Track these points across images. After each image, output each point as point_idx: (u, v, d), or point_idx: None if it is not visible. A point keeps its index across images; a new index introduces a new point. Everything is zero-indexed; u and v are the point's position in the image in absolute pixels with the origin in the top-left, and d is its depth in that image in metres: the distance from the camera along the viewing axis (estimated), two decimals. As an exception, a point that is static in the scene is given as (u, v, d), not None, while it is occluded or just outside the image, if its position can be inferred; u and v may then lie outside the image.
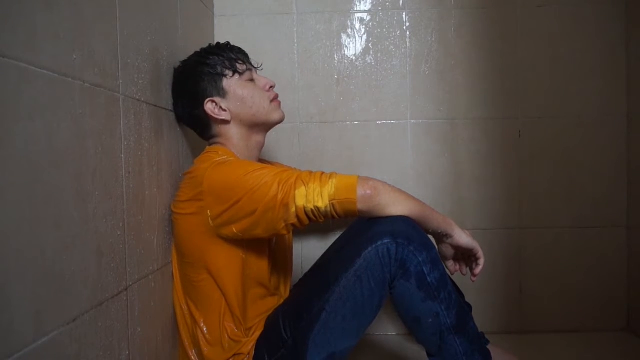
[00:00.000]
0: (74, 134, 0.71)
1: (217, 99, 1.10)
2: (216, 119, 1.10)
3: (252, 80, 1.14)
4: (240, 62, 1.13)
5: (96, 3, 0.79)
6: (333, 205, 0.94)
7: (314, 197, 0.93)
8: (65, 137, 0.69)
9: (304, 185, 0.94)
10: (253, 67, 1.17)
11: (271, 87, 1.16)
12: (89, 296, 0.75)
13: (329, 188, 0.94)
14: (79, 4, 0.74)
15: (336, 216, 0.96)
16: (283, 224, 0.95)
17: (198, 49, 1.16)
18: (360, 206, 0.94)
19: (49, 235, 0.65)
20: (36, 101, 0.63)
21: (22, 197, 0.60)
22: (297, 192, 0.93)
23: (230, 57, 1.12)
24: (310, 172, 0.98)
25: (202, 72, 1.10)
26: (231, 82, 1.11)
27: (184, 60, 1.16)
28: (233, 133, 1.12)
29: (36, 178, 0.63)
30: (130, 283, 0.90)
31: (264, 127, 1.16)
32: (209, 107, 1.09)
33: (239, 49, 1.17)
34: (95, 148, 0.77)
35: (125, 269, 0.88)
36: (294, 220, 0.95)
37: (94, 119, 0.77)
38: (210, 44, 1.17)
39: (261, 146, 1.18)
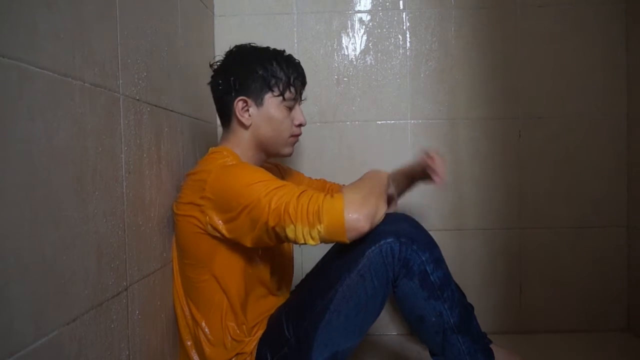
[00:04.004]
0: (74, 134, 0.71)
1: (250, 102, 1.09)
2: (237, 117, 1.10)
3: (290, 108, 1.13)
4: (292, 91, 1.11)
5: (96, 3, 0.79)
6: (325, 241, 0.93)
7: (304, 236, 0.91)
8: (65, 137, 0.69)
9: (292, 223, 0.91)
10: (300, 98, 1.16)
11: (300, 124, 1.15)
12: (89, 296, 0.75)
13: (317, 231, 0.90)
14: (79, 4, 0.74)
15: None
16: (278, 242, 0.96)
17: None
18: (352, 240, 0.92)
19: (49, 235, 0.65)
20: (36, 101, 0.63)
21: (22, 197, 0.60)
22: (287, 227, 0.91)
23: (288, 80, 1.10)
24: (299, 198, 0.91)
25: (256, 72, 1.08)
26: (273, 100, 1.10)
27: (254, 47, 1.13)
28: (245, 138, 1.11)
29: (36, 178, 0.63)
30: (130, 283, 0.90)
31: (270, 152, 1.16)
32: (239, 104, 1.09)
33: (303, 77, 1.15)
34: (95, 148, 0.77)
35: (125, 269, 0.88)
36: (286, 242, 0.96)
37: (94, 119, 0.77)
38: (284, 51, 1.14)
39: (263, 162, 1.18)
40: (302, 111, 1.16)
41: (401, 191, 1.27)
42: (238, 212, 0.94)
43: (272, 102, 1.10)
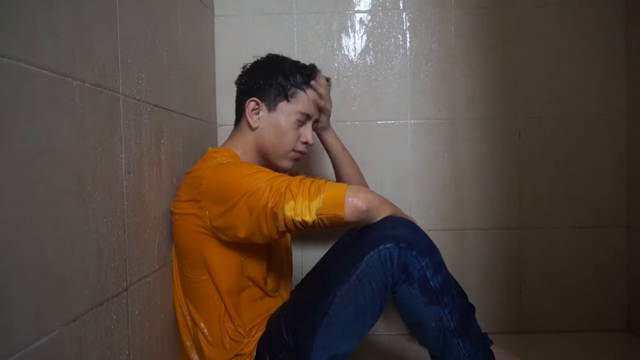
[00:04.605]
0: (74, 134, 0.71)
1: (262, 105, 1.11)
2: (246, 117, 1.12)
3: (303, 122, 1.14)
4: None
5: (96, 3, 0.79)
6: (321, 219, 0.93)
7: (302, 210, 0.92)
8: (65, 137, 0.69)
9: (293, 198, 0.92)
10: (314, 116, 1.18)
11: (306, 142, 1.15)
12: (89, 296, 0.75)
13: (317, 203, 0.92)
14: (79, 4, 0.74)
15: (325, 227, 0.96)
16: (275, 230, 0.95)
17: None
18: (348, 220, 0.94)
19: (49, 235, 0.65)
20: (36, 101, 0.63)
21: (22, 197, 0.60)
22: (286, 205, 0.92)
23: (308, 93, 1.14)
24: (302, 180, 0.95)
25: (276, 78, 1.12)
26: (285, 108, 1.12)
27: (284, 58, 1.18)
28: (249, 140, 1.13)
29: (36, 178, 0.63)
30: (130, 283, 0.90)
31: (270, 160, 1.16)
32: (250, 104, 1.11)
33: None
34: (95, 148, 0.77)
35: (125, 269, 0.88)
36: (283, 228, 0.95)
37: (94, 119, 0.77)
38: (313, 65, 1.18)
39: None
40: (311, 131, 1.17)
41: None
42: (235, 200, 0.94)
43: (284, 111, 1.12)
